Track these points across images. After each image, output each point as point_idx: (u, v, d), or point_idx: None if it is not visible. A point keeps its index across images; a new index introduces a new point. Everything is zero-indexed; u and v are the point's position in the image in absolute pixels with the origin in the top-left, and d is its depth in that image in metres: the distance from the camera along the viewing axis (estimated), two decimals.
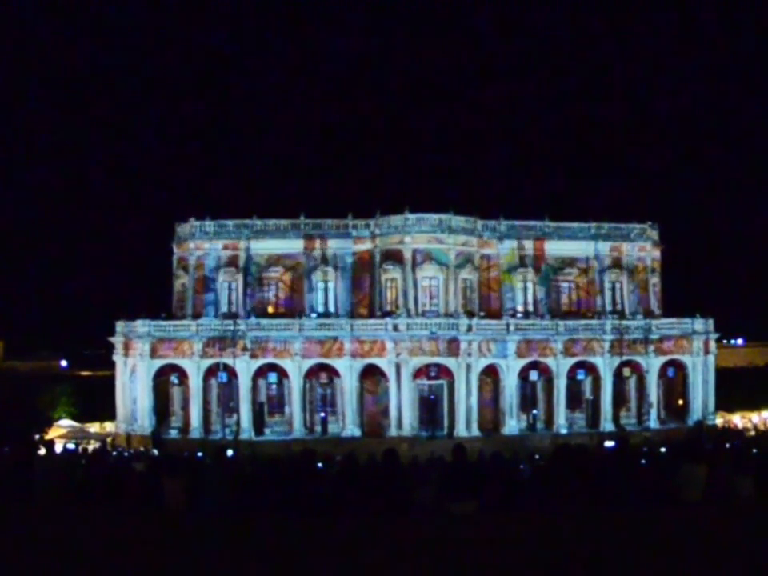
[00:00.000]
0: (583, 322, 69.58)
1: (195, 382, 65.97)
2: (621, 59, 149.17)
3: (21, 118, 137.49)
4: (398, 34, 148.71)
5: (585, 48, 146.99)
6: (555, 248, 72.93)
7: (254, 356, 65.22)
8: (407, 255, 68.44)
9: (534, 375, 67.75)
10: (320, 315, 69.50)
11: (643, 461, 19.92)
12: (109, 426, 70.90)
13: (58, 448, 30.57)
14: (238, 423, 64.84)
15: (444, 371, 66.00)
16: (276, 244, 71.23)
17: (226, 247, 71.34)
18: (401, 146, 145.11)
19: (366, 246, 70.85)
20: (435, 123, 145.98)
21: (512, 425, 66.79)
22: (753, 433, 63.99)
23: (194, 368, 65.76)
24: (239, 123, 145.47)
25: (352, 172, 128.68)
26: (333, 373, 66.72)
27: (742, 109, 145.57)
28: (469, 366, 65.45)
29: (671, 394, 72.87)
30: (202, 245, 71.32)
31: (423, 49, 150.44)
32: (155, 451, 49.92)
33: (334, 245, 71.40)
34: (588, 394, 70.01)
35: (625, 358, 67.25)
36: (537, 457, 34.56)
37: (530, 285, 72.74)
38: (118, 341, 68.09)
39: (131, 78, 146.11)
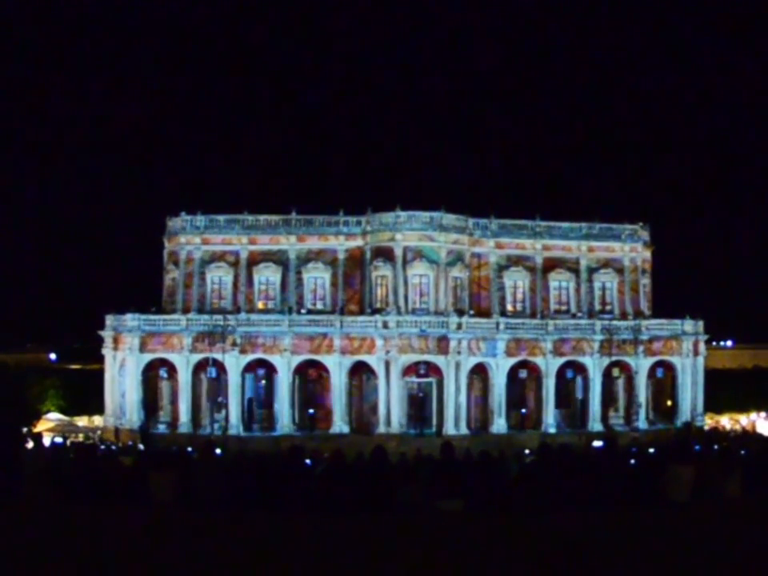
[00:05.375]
0: (573, 321, 69.76)
1: (184, 377, 65.92)
2: (614, 59, 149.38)
3: (15, 109, 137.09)
4: (391, 32, 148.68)
5: (578, 48, 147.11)
6: (546, 247, 72.97)
7: (243, 351, 65.24)
8: (398, 252, 68.41)
9: (523, 374, 67.83)
10: (310, 311, 69.47)
11: (632, 461, 19.95)
12: (97, 420, 70.79)
13: (46, 441, 30.50)
14: (226, 419, 64.77)
15: (433, 369, 66.04)
16: (267, 239, 71.17)
17: (216, 242, 71.23)
18: (393, 143, 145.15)
19: (357, 242, 70.81)
20: (428, 121, 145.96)
21: (500, 423, 66.86)
22: (740, 433, 64.15)
23: (184, 362, 65.73)
24: (232, 119, 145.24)
25: (344, 168, 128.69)
26: (322, 369, 66.69)
27: (733, 111, 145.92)
28: (458, 364, 65.49)
29: (660, 395, 72.98)
30: (192, 239, 71.19)
31: (416, 47, 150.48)
32: (141, 446, 49.87)
33: (325, 241, 71.36)
34: (577, 393, 70.11)
35: (614, 358, 67.36)
36: (527, 452, 34.49)
37: (520, 284, 72.82)
38: (107, 334, 68.00)
39: (125, 72, 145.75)
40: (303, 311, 69.13)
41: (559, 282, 73.47)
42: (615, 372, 69.07)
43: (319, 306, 70.77)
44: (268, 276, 71.04)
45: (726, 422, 74.97)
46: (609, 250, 74.36)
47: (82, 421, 70.79)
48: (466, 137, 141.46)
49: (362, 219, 70.86)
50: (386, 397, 65.06)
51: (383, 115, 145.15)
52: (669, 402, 71.48)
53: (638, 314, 72.73)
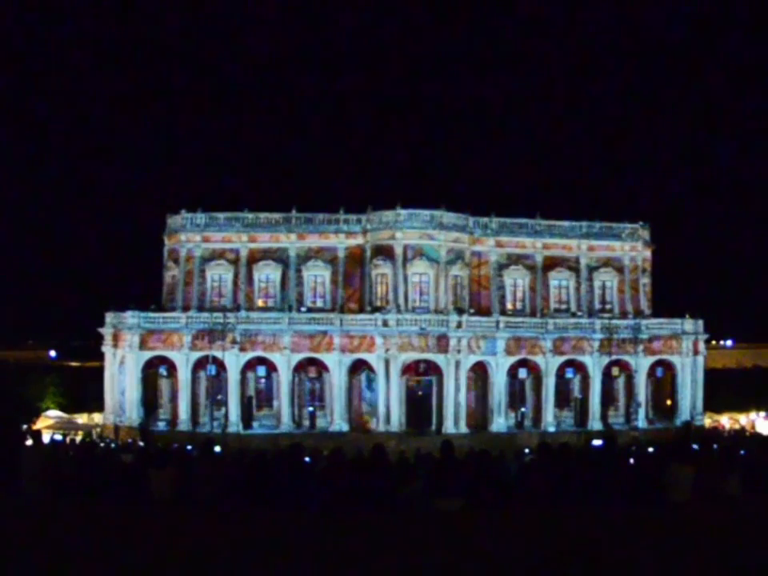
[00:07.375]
0: (573, 320, 69.74)
1: (184, 375, 65.91)
2: (613, 56, 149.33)
3: (15, 107, 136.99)
4: (391, 29, 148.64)
5: (578, 47, 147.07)
6: (546, 246, 72.92)
7: (243, 349, 65.20)
8: (398, 251, 68.37)
9: (522, 373, 67.81)
10: (310, 309, 69.44)
11: (631, 460, 19.92)
12: (97, 418, 70.76)
13: (46, 438, 30.48)
14: (226, 416, 64.77)
15: (433, 367, 66.01)
16: (267, 237, 71.16)
17: (216, 240, 71.22)
18: (393, 142, 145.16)
19: (357, 240, 70.79)
20: (428, 119, 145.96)
21: (500, 422, 66.83)
22: (739, 432, 64.14)
23: (183, 360, 65.71)
24: (232, 116, 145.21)
25: (344, 167, 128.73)
26: (322, 367, 66.70)
27: (734, 109, 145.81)
28: (458, 363, 65.47)
29: (659, 394, 73.01)
30: (192, 237, 71.18)
31: (416, 45, 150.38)
32: (140, 443, 49.87)
33: (325, 239, 71.33)
34: (576, 392, 70.13)
35: (614, 357, 67.31)
36: (527, 450, 34.47)
37: (520, 282, 72.78)
38: (107, 332, 67.98)
39: (124, 70, 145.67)
40: (303, 309, 69.11)
41: (559, 281, 73.46)
42: (615, 371, 69.07)
43: (319, 304, 70.77)
44: (268, 274, 71.03)
45: (725, 421, 74.92)
46: (609, 249, 74.33)
47: (81, 418, 70.78)
48: (466, 135, 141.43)
49: (363, 217, 70.85)
50: (385, 395, 65.06)
51: (384, 113, 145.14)
52: (668, 402, 71.49)
53: (638, 313, 72.72)
